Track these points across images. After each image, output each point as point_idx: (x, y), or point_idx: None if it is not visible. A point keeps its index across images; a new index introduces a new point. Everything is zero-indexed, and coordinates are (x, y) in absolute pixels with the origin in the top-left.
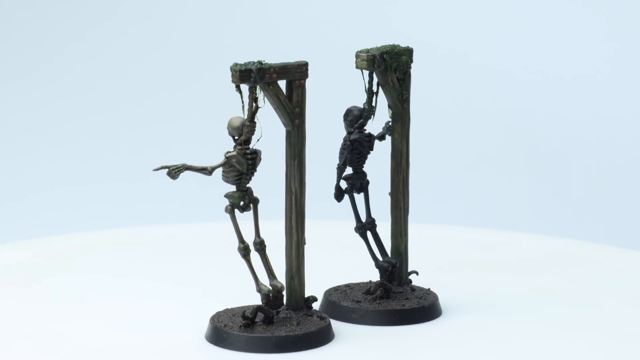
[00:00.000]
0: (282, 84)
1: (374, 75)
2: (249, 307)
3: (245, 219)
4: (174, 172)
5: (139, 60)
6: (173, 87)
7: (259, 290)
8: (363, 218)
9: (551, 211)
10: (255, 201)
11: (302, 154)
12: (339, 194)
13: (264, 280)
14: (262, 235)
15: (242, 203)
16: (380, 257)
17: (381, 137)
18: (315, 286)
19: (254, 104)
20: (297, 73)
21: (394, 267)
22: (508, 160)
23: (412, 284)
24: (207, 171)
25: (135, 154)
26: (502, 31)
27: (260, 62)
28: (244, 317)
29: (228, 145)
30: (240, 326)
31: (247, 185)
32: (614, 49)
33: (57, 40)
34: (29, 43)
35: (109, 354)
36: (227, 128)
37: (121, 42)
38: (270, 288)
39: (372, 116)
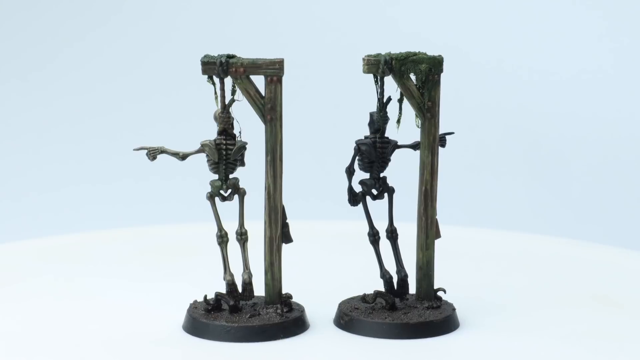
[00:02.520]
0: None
1: (393, 81)
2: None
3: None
4: (152, 153)
5: (139, 61)
6: (173, 87)
7: (224, 278)
8: (377, 225)
9: (551, 211)
10: (241, 192)
11: (276, 150)
12: (350, 198)
13: (237, 270)
14: (245, 226)
15: (221, 192)
16: (394, 268)
17: (415, 147)
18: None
19: (227, 96)
20: (269, 69)
21: (402, 280)
22: (508, 159)
23: (439, 300)
24: (179, 156)
25: (135, 154)
26: (502, 29)
27: (229, 56)
28: (206, 301)
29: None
30: (203, 310)
31: (232, 176)
32: (614, 48)
33: (57, 40)
34: (29, 43)
35: (92, 339)
36: None
37: (121, 42)
38: (231, 278)
39: (384, 122)
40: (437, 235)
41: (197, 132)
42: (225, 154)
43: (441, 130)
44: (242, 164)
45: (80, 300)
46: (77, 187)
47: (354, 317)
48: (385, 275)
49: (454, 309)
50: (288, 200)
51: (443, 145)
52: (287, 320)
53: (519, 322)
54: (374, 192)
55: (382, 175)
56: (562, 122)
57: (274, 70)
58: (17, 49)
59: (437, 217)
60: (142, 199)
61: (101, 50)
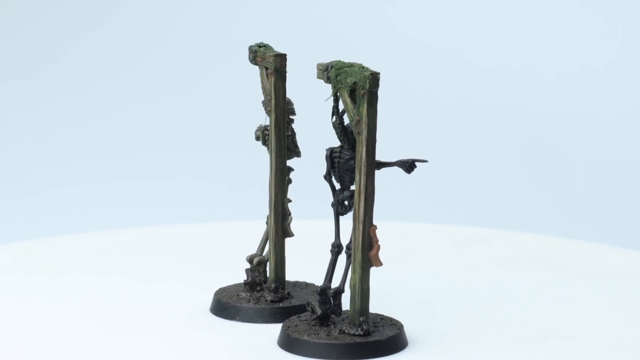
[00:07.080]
0: None
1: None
2: None
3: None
4: (256, 132)
5: (139, 61)
6: (173, 86)
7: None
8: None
9: (551, 211)
10: (285, 181)
11: (270, 141)
12: None
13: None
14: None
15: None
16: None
17: (380, 165)
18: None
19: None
20: (268, 62)
21: (334, 296)
22: (507, 159)
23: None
24: (255, 137)
25: (135, 154)
26: (502, 30)
27: (258, 45)
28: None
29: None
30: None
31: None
32: (614, 48)
33: (58, 40)
34: (30, 43)
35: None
36: None
37: (122, 42)
38: (249, 257)
39: (336, 131)
40: (375, 262)
41: (196, 132)
42: (268, 139)
43: (416, 156)
44: (296, 153)
45: (81, 299)
46: (77, 187)
47: (286, 326)
48: (320, 286)
49: (399, 329)
50: (302, 198)
51: (407, 171)
52: (256, 308)
53: (488, 340)
54: (342, 203)
55: (352, 188)
56: (562, 122)
57: (269, 64)
58: (17, 49)
59: (379, 243)
60: (142, 199)
61: (101, 50)
